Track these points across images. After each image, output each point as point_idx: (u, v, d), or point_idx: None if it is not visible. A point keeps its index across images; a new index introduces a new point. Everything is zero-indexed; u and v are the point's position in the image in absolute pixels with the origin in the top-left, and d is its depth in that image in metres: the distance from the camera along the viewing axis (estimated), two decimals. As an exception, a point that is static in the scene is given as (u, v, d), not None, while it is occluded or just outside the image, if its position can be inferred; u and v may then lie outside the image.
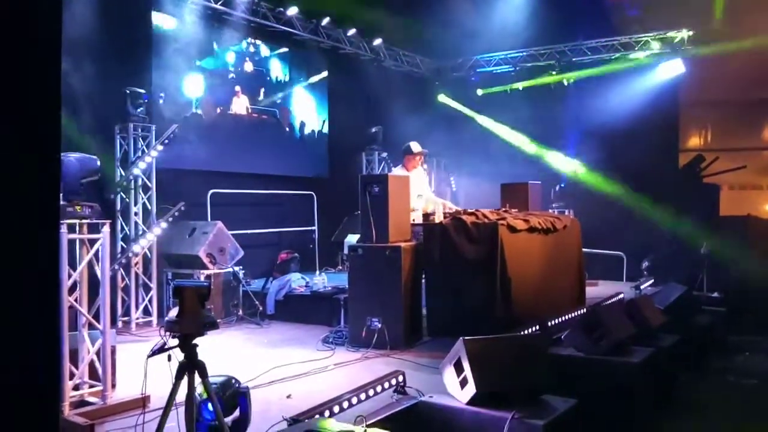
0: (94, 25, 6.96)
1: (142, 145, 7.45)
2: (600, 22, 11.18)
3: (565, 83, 11.80)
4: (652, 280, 9.00)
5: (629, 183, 10.54)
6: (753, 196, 12.02)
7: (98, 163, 4.34)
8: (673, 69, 10.90)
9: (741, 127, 12.17)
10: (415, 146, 7.15)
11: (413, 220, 6.48)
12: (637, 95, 11.02)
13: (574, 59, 11.80)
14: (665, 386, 5.29)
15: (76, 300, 4.12)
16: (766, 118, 12.15)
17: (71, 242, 4.10)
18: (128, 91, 7.30)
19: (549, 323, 6.05)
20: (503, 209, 7.12)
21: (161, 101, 8.38)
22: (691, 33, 10.76)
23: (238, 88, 9.79)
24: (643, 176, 10.41)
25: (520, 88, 12.23)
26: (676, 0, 10.36)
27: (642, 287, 8.56)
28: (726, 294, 8.10)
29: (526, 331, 5.52)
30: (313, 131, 11.17)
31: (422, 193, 7.15)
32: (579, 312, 6.68)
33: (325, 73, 11.31)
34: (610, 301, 7.22)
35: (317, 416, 3.55)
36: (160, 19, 8.37)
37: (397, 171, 7.22)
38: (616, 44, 11.45)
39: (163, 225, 7.21)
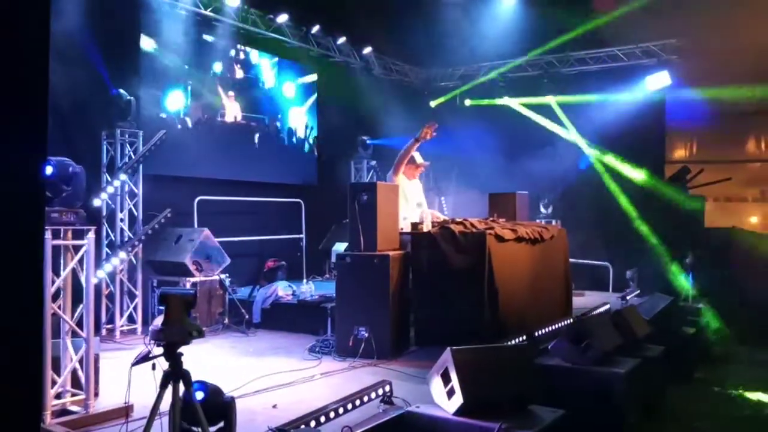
0: (82, 29, 6.92)
1: (129, 151, 7.39)
2: (587, 34, 11.27)
3: (552, 102, 11.88)
4: (638, 291, 9.06)
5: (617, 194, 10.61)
6: (738, 208, 12.15)
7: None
8: (659, 81, 11.01)
9: (727, 139, 12.32)
10: (418, 157, 7.14)
11: (401, 228, 6.47)
12: (624, 106, 11.12)
13: (562, 70, 11.90)
14: (651, 396, 5.31)
15: (59, 307, 4.07)
16: (752, 130, 12.29)
17: (55, 248, 4.05)
18: (115, 96, 7.25)
19: (536, 333, 6.06)
20: (491, 219, 7.13)
21: (149, 107, 8.33)
22: (677, 45, 10.90)
23: (231, 93, 9.77)
24: (631, 187, 10.49)
25: (502, 102, 12.30)
26: (662, 12, 10.47)
27: (628, 297, 8.62)
28: (711, 305, 8.16)
29: (513, 341, 5.53)
30: (301, 138, 11.16)
31: (421, 201, 7.15)
32: (566, 322, 6.70)
33: (314, 80, 11.32)
34: (596, 312, 7.26)
35: (303, 426, 3.52)
36: (148, 25, 8.32)
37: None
38: (603, 56, 11.57)
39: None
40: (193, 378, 3.01)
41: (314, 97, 11.37)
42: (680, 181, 10.15)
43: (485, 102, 12.41)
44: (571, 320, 6.79)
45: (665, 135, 11.77)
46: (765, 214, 12.17)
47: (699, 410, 5.55)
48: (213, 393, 3.35)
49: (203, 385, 3.30)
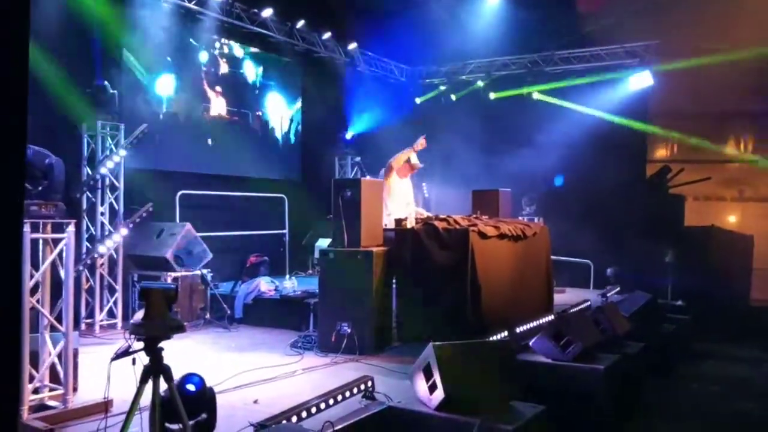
0: (64, 20, 6.83)
1: (110, 144, 7.31)
2: (572, 34, 11.34)
3: (534, 97, 11.94)
4: (619, 288, 9.15)
5: (598, 192, 10.69)
6: (717, 207, 12.32)
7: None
8: (642, 81, 11.12)
9: (707, 139, 12.47)
10: (414, 157, 7.17)
11: (385, 225, 6.47)
12: (607, 106, 11.21)
13: (546, 69, 11.96)
14: (631, 392, 5.37)
15: (38, 301, 4.02)
16: (731, 131, 12.46)
17: (34, 242, 4.00)
18: (99, 88, 7.14)
19: (517, 329, 6.10)
20: (474, 216, 7.16)
21: (132, 100, 8.24)
22: (659, 46, 11.00)
23: (218, 88, 9.68)
24: (612, 186, 10.58)
25: (492, 97, 12.36)
26: (646, 13, 10.58)
27: (608, 295, 8.69)
28: (690, 302, 8.28)
29: (495, 337, 5.55)
30: (285, 134, 11.11)
31: (410, 201, 7.18)
32: (547, 319, 6.74)
33: (299, 76, 11.26)
34: (577, 309, 7.32)
35: (284, 422, 3.51)
36: (132, 17, 8.22)
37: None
38: (587, 55, 11.65)
39: (125, 230, 7.05)
40: (174, 373, 2.99)
41: (299, 92, 11.31)
42: (661, 180, 10.28)
43: (481, 85, 12.39)
44: (553, 317, 6.84)
45: (647, 134, 11.88)
46: (743, 214, 12.35)
47: (678, 406, 5.62)
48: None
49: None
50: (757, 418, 5.31)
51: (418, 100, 13.08)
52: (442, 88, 12.87)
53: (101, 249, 7.00)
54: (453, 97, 12.81)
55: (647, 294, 7.23)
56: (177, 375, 3.10)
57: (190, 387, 3.25)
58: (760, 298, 9.81)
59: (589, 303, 7.85)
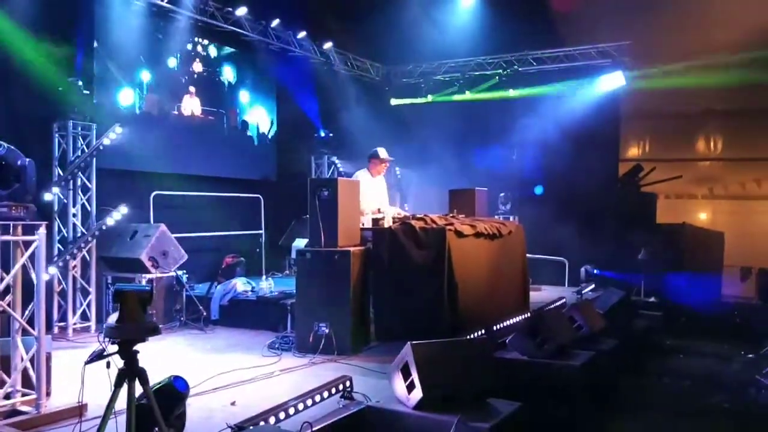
0: (35, 13, 6.71)
1: (82, 144, 7.19)
2: (546, 34, 11.45)
3: (510, 93, 12.04)
4: (593, 285, 9.27)
5: (572, 191, 10.82)
6: (688, 204, 12.55)
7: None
8: (614, 81, 11.27)
9: (678, 138, 12.70)
10: (382, 152, 7.15)
11: (363, 224, 6.47)
12: (580, 106, 11.34)
13: (520, 69, 12.07)
14: (605, 388, 5.44)
15: (9, 304, 3.95)
16: (701, 130, 12.70)
17: (5, 244, 3.93)
18: (69, 86, 7.01)
19: (494, 327, 6.15)
20: (451, 215, 7.19)
21: (104, 99, 8.11)
22: (631, 47, 11.17)
23: (192, 88, 9.59)
24: (585, 184, 10.72)
25: (468, 95, 12.44)
26: (618, 14, 10.72)
27: (583, 292, 8.81)
28: (662, 298, 8.42)
29: (472, 335, 5.59)
30: (261, 133, 11.04)
31: (383, 200, 7.18)
32: (523, 316, 6.81)
33: (274, 75, 11.21)
34: (552, 306, 7.40)
35: (262, 423, 3.50)
36: (103, 15, 8.10)
37: (361, 174, 7.17)
38: (560, 55, 11.78)
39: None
40: (149, 376, 2.96)
41: (274, 91, 11.25)
42: (633, 179, 10.44)
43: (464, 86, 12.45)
44: (529, 314, 6.91)
45: (620, 134, 12.04)
46: (713, 211, 12.60)
47: (650, 400, 5.71)
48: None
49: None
50: (727, 412, 5.42)
51: (393, 102, 13.09)
52: (421, 100, 12.85)
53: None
54: (430, 97, 12.85)
55: (621, 291, 7.34)
56: (153, 378, 3.07)
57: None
58: (730, 295, 10.01)
59: (564, 300, 7.95)
